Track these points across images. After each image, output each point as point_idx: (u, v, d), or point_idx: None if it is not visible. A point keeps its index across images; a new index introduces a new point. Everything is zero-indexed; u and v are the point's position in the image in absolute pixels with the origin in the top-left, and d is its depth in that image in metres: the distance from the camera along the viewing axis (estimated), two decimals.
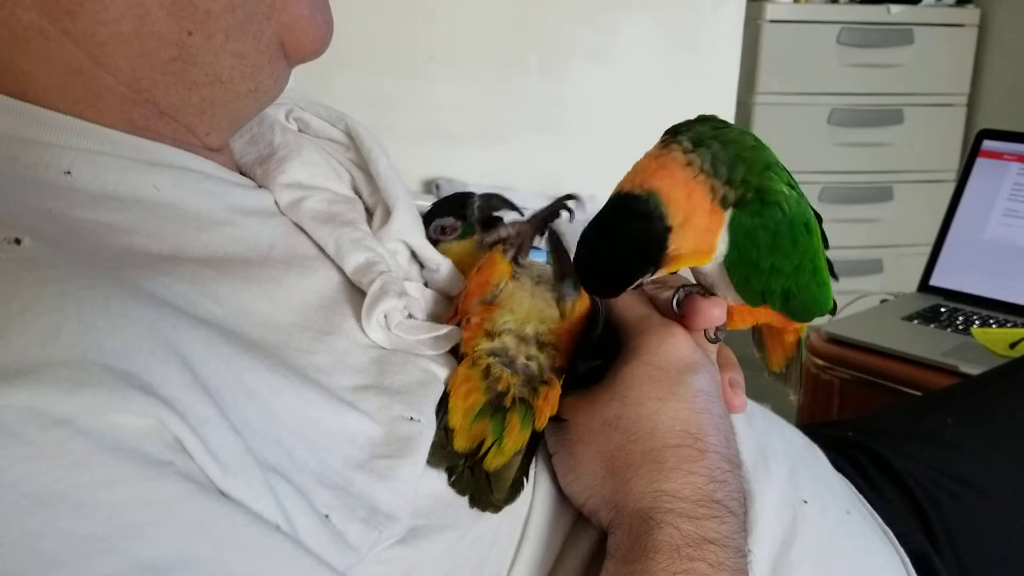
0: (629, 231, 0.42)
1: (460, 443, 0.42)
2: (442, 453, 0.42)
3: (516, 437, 0.43)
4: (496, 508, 0.42)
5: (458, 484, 0.42)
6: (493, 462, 0.42)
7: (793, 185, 0.45)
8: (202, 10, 0.40)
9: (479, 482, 0.42)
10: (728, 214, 0.43)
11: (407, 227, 0.50)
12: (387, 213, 0.51)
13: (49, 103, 0.41)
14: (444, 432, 0.43)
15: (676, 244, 0.42)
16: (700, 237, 0.43)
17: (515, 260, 0.47)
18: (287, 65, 0.46)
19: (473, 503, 0.42)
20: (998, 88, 2.38)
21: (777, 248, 0.44)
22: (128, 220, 0.40)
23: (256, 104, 0.46)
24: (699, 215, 0.42)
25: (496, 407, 0.44)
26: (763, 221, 0.43)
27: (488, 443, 0.43)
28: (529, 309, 0.47)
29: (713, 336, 0.48)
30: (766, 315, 0.49)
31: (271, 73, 0.44)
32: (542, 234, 0.49)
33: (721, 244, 0.44)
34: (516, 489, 0.43)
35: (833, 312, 0.53)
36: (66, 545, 0.28)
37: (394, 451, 0.39)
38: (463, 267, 0.51)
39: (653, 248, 0.42)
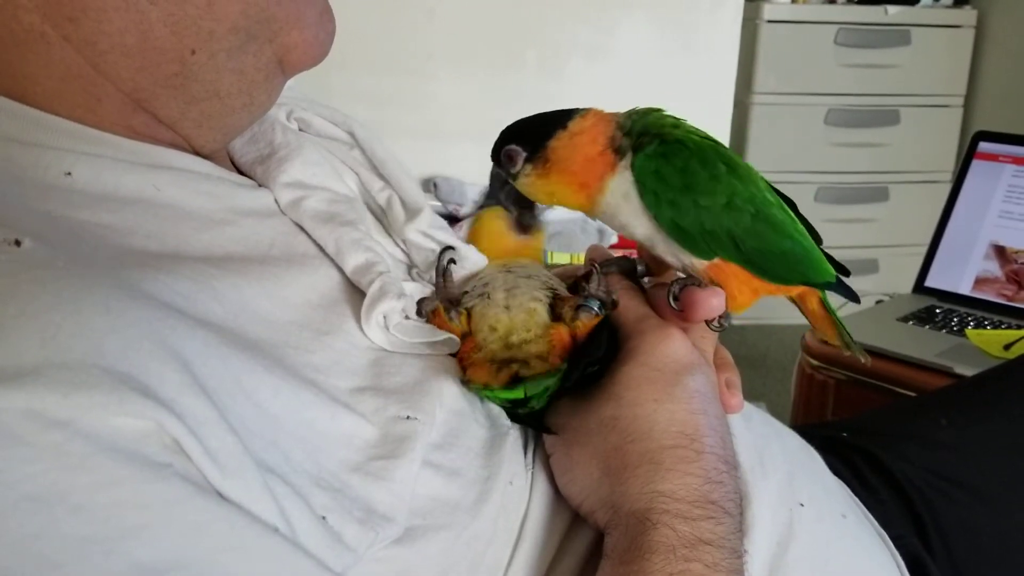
0: (542, 114, 0.49)
1: (496, 383, 0.45)
2: (483, 393, 0.45)
3: (539, 364, 0.45)
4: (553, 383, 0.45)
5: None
6: (528, 371, 0.45)
7: (714, 142, 0.47)
8: (205, 30, 0.40)
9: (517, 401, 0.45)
10: (627, 161, 0.46)
11: (434, 221, 0.52)
12: (413, 215, 0.52)
13: (49, 107, 0.41)
14: (478, 388, 0.45)
15: (556, 144, 0.47)
16: (578, 162, 0.47)
17: (452, 304, 0.48)
18: (283, 79, 0.46)
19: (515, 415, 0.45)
20: (994, 89, 2.38)
21: (693, 185, 0.45)
22: (128, 221, 0.40)
23: (249, 117, 0.46)
24: (588, 143, 0.46)
25: (510, 361, 0.45)
26: (666, 159, 0.45)
27: (515, 369, 0.45)
28: (509, 325, 0.47)
29: (718, 324, 0.48)
30: (754, 281, 0.48)
31: (266, 88, 0.45)
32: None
33: (625, 187, 0.46)
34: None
35: (848, 293, 0.52)
36: (64, 546, 0.28)
37: (389, 451, 0.39)
38: (488, 237, 0.53)
39: (539, 130, 0.47)
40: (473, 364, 0.46)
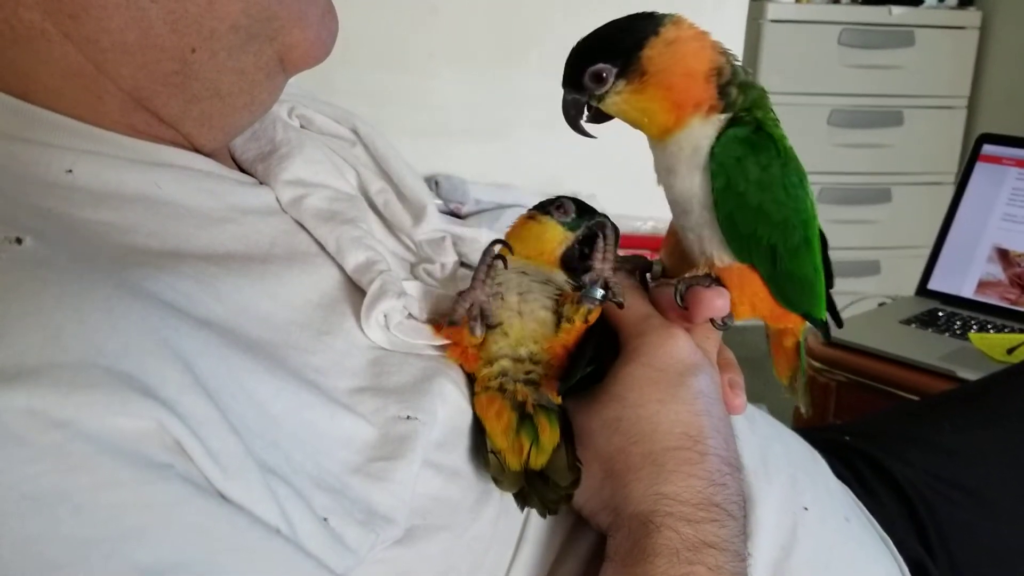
0: (625, 18, 0.44)
1: (512, 462, 0.43)
2: (505, 477, 0.43)
3: (549, 433, 0.44)
4: (568, 494, 0.43)
5: (531, 503, 0.43)
6: (537, 460, 0.43)
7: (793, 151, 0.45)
8: (207, 28, 0.40)
9: (539, 489, 0.43)
10: (723, 118, 0.43)
11: (437, 220, 0.52)
12: (418, 213, 0.52)
13: (50, 104, 0.40)
14: (495, 456, 0.43)
15: (652, 52, 0.42)
16: (679, 75, 0.42)
17: (484, 324, 0.46)
18: (285, 79, 0.45)
19: (547, 511, 0.43)
20: (998, 91, 2.38)
21: (767, 187, 0.43)
22: (129, 219, 0.39)
23: (251, 116, 0.45)
24: (691, 56, 0.42)
25: (523, 415, 0.44)
26: (753, 150, 0.43)
27: (527, 447, 0.43)
28: (520, 331, 0.46)
29: (721, 323, 0.48)
30: (760, 298, 0.48)
31: (268, 87, 0.44)
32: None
33: (700, 143, 0.43)
34: (575, 471, 0.43)
35: (826, 332, 0.52)
36: (65, 548, 0.28)
37: (389, 453, 0.39)
38: (543, 246, 0.50)
39: (628, 37, 0.43)
40: (483, 393, 0.45)
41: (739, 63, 0.44)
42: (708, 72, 0.43)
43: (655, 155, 0.46)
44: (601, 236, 0.47)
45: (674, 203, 0.47)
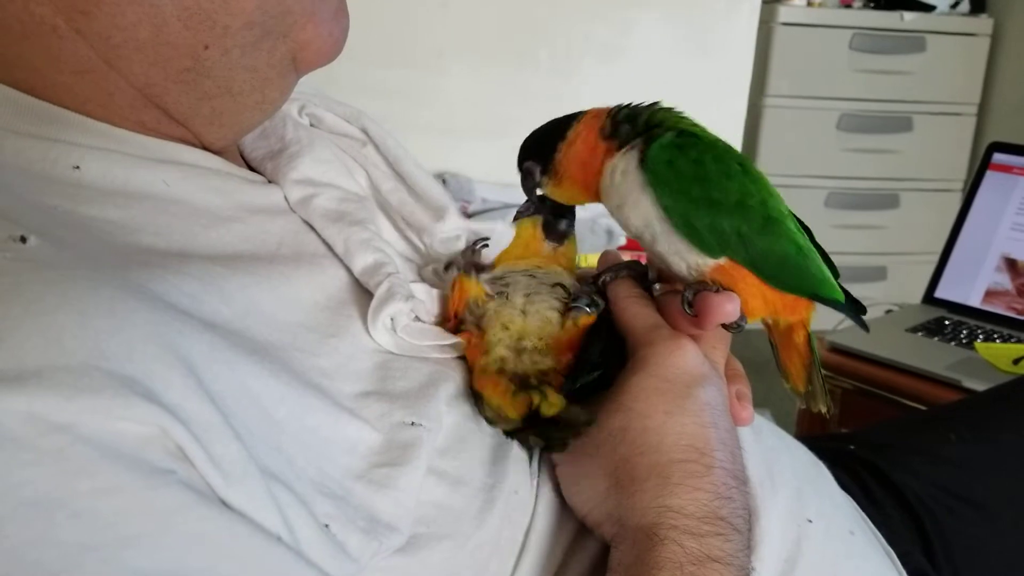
0: (556, 120, 0.51)
1: (512, 412, 0.44)
2: (502, 423, 0.44)
3: (557, 398, 0.44)
4: (585, 427, 0.43)
5: (524, 441, 0.44)
6: (549, 411, 0.44)
7: (727, 144, 0.48)
8: (220, 25, 0.40)
9: (543, 430, 0.44)
10: (632, 145, 0.47)
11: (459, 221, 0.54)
12: (439, 213, 0.53)
13: (59, 100, 0.40)
14: (492, 411, 0.44)
15: (560, 156, 0.50)
16: (579, 160, 0.49)
17: (476, 271, 0.50)
18: (296, 77, 0.45)
19: (550, 447, 0.44)
20: (1008, 98, 2.37)
21: (706, 178, 0.45)
22: (136, 218, 0.39)
23: (262, 115, 0.45)
24: (583, 145, 0.49)
25: (524, 385, 0.44)
26: (681, 151, 0.46)
27: (536, 403, 0.44)
28: (523, 327, 0.46)
29: (735, 326, 0.47)
30: (763, 293, 0.47)
31: (279, 86, 0.44)
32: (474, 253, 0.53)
33: (623, 166, 0.47)
34: (589, 414, 0.44)
35: (858, 318, 0.52)
36: (61, 554, 0.27)
37: (394, 459, 0.39)
38: (523, 241, 0.54)
39: (546, 143, 0.50)
40: (483, 374, 0.45)
41: (637, 106, 0.49)
42: (595, 141, 0.49)
43: (605, 206, 0.50)
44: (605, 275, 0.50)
45: (640, 237, 0.49)
